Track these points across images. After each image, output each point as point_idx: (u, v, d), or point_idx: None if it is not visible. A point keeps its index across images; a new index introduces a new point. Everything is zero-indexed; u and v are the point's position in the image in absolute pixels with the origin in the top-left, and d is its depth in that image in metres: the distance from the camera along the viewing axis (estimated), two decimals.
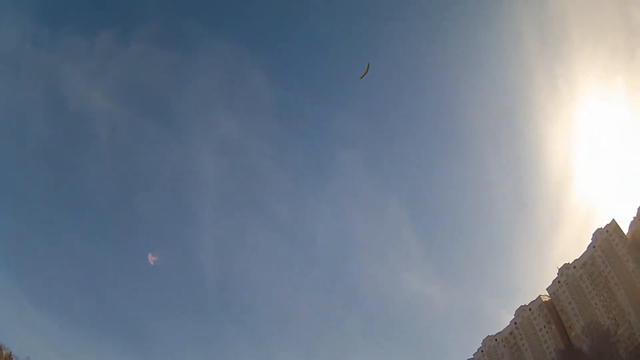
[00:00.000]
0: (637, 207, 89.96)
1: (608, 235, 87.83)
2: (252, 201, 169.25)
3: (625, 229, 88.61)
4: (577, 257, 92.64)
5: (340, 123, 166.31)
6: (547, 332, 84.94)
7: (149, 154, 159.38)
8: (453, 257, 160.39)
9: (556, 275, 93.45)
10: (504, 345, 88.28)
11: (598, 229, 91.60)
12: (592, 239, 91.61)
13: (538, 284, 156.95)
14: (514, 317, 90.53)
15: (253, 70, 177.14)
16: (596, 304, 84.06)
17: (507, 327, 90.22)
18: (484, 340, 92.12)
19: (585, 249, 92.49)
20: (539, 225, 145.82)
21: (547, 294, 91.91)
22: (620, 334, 77.01)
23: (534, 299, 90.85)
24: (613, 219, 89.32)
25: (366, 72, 38.66)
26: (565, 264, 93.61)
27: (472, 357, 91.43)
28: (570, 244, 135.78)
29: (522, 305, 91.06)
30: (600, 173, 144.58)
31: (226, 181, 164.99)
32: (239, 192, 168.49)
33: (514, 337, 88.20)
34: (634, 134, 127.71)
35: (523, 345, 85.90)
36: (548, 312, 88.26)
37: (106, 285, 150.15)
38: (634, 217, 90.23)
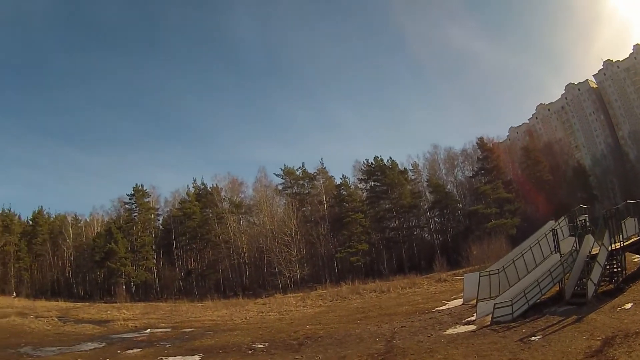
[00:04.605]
0: None
1: None
2: None
3: None
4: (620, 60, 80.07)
5: None
6: (597, 120, 75.42)
7: None
8: (499, 17, 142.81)
9: (601, 67, 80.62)
10: (557, 118, 76.26)
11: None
12: (633, 49, 78.72)
13: (582, 72, 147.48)
14: (564, 92, 77.91)
15: None
16: None
17: (559, 99, 79.52)
18: (537, 107, 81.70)
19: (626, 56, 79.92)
20: (579, 17, 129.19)
21: (594, 81, 79.45)
22: None
23: (582, 80, 77.95)
24: None
25: None
26: (609, 59, 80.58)
27: (527, 122, 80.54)
28: (609, 47, 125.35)
29: (570, 83, 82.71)
30: None
31: None
32: None
33: (565, 113, 77.60)
34: None
35: (575, 124, 74.54)
36: (596, 99, 78.33)
37: None
38: None
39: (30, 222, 66.37)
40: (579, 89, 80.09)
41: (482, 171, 53.08)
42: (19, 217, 68.16)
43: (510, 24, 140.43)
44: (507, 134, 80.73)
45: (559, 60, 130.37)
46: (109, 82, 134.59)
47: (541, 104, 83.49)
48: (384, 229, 51.29)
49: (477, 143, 54.42)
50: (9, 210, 66.42)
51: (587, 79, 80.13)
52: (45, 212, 66.87)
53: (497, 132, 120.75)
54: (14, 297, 49.60)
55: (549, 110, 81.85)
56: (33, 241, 63.51)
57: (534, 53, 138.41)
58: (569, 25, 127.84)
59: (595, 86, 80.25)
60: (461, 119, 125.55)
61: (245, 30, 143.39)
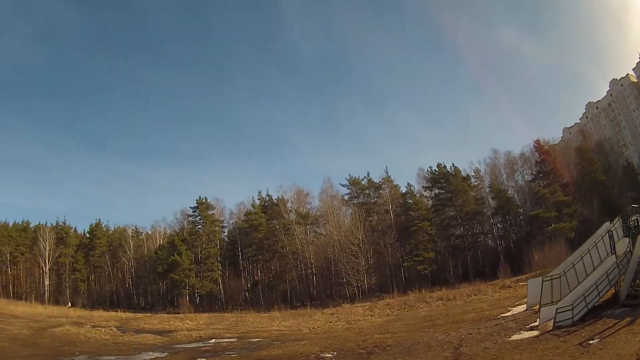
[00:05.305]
0: None
1: None
2: None
3: None
4: None
5: None
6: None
7: None
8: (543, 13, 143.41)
9: (638, 60, 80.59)
10: (605, 116, 76.92)
11: None
12: None
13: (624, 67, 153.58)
14: (609, 88, 78.35)
15: None
16: None
17: (605, 97, 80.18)
18: (586, 105, 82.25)
19: None
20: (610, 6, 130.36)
21: (634, 75, 79.51)
22: None
23: (623, 75, 78.11)
24: None
25: None
26: None
27: (579, 121, 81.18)
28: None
29: (614, 78, 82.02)
30: None
31: None
32: None
33: (612, 110, 77.78)
34: None
35: (621, 121, 75.05)
36: (638, 94, 76.76)
37: None
38: None
39: (88, 235, 68.16)
40: (621, 84, 79.86)
41: (541, 174, 53.87)
42: (75, 230, 70.26)
43: (549, 22, 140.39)
44: (561, 135, 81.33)
45: (602, 56, 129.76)
46: (167, 97, 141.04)
47: (590, 102, 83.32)
48: (450, 236, 52.54)
49: (534, 146, 55.34)
50: (64, 223, 68.40)
51: (627, 74, 79.85)
52: (103, 225, 68.68)
53: (553, 133, 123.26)
54: (69, 307, 51.24)
55: (597, 108, 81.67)
56: (91, 253, 65.43)
57: (576, 50, 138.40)
58: (603, 18, 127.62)
59: (635, 80, 79.96)
60: (516, 121, 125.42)
61: (305, 41, 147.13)
